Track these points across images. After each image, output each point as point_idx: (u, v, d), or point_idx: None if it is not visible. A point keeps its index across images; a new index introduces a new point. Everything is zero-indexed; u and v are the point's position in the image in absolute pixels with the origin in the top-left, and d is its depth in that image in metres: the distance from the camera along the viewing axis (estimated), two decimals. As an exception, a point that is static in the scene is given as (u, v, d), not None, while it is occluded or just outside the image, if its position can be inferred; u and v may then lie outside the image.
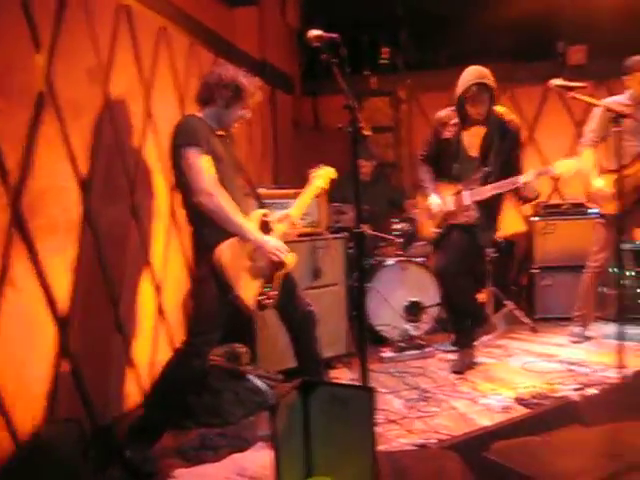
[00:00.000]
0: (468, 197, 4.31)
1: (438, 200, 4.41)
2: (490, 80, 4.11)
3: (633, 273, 5.52)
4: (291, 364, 4.19)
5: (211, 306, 3.14)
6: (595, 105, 3.72)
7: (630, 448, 1.89)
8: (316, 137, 6.50)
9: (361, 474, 1.63)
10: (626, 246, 5.54)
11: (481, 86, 4.08)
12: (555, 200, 6.35)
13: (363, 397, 1.62)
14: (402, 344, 4.79)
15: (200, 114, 3.20)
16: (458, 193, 4.35)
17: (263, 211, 3.36)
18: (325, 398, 1.66)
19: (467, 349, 4.52)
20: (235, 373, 3.88)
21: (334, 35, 2.64)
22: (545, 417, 2.39)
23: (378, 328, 5.07)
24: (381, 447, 3.19)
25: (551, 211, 5.86)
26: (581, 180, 4.87)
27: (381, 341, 5.06)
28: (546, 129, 6.51)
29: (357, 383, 4.07)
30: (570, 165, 4.10)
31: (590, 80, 6.16)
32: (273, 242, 3.19)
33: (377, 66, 6.79)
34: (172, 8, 3.97)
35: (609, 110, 3.50)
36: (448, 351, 4.89)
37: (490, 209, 4.32)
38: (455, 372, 4.35)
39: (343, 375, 4.43)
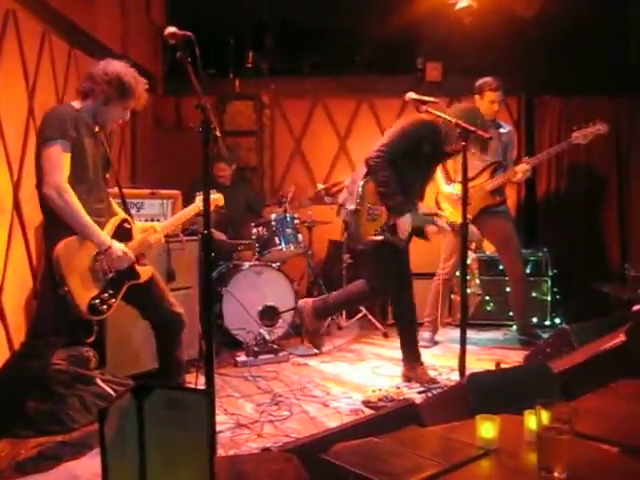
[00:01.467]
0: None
1: None
2: None
3: (478, 281, 5.83)
4: (142, 368, 4.11)
5: (52, 307, 3.02)
6: (445, 120, 3.88)
7: (459, 446, 1.98)
8: (178, 137, 6.37)
9: (197, 479, 1.60)
10: (472, 255, 5.86)
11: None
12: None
13: (200, 401, 1.59)
14: (256, 348, 4.79)
15: (79, 105, 3.09)
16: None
17: (123, 217, 3.27)
18: (161, 402, 1.61)
19: None
20: (81, 378, 3.72)
21: (188, 33, 2.61)
22: (386, 419, 2.46)
23: (233, 332, 5.05)
24: (230, 451, 3.22)
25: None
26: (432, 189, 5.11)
27: (236, 345, 5.03)
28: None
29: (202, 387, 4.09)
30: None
31: (445, 95, 6.54)
32: (116, 249, 3.08)
33: (242, 70, 6.78)
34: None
35: (457, 126, 3.66)
36: (302, 355, 4.95)
37: None
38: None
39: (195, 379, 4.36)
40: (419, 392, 3.96)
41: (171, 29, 2.64)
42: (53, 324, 3.06)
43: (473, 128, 3.59)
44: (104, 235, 3.04)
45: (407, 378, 4.32)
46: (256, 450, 3.16)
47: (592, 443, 2.02)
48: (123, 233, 3.23)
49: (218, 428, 3.51)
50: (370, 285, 4.24)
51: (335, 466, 1.85)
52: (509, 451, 1.99)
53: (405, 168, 4.06)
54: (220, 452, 3.20)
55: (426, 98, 3.82)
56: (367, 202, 4.10)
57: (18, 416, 3.22)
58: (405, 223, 4.07)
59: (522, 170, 4.95)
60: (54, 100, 4.18)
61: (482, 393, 2.54)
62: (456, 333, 5.30)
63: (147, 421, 1.62)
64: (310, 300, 4.50)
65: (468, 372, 3.55)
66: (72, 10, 4.42)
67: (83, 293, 3.01)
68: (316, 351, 4.94)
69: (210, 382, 2.48)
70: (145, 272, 3.30)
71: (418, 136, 4.05)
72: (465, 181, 3.57)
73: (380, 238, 4.10)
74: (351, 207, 4.08)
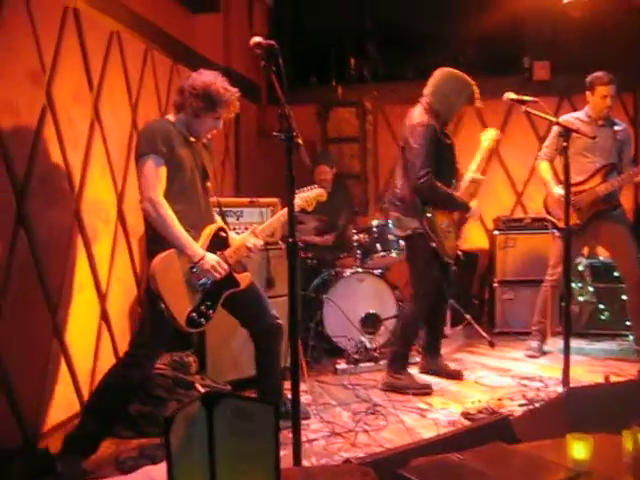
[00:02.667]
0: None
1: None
2: None
3: (591, 288, 5.53)
4: (241, 375, 4.17)
5: (152, 320, 3.10)
6: (547, 120, 3.71)
7: (547, 467, 1.86)
8: (280, 146, 6.43)
9: (264, 490, 1.58)
10: (584, 261, 5.57)
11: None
12: (517, 214, 6.37)
13: (267, 412, 1.57)
14: (357, 356, 4.75)
15: (173, 118, 3.17)
16: None
17: (219, 225, 3.29)
18: (229, 411, 1.61)
19: None
20: (182, 382, 3.82)
21: (272, 42, 2.60)
22: (476, 433, 2.35)
23: (334, 339, 5.03)
24: (322, 460, 3.20)
25: (512, 225, 5.87)
26: (541, 193, 4.91)
27: (337, 353, 5.02)
28: (510, 142, 6.52)
29: (306, 395, 4.10)
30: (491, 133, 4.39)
31: (554, 95, 6.27)
32: (209, 259, 3.07)
33: (344, 77, 6.79)
34: (126, 12, 3.93)
35: (558, 125, 3.49)
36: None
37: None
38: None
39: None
40: (520, 405, 3.78)
41: (256, 39, 2.64)
42: (154, 336, 3.12)
43: (575, 127, 3.40)
44: (197, 246, 3.05)
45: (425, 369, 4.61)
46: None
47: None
48: (219, 242, 3.24)
49: (312, 436, 3.51)
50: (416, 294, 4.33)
51: (411, 482, 1.79)
52: (604, 474, 1.85)
53: (441, 167, 4.14)
54: (312, 460, 3.19)
55: (525, 98, 3.66)
56: (439, 227, 4.19)
57: (121, 419, 3.34)
58: (475, 209, 4.31)
59: None
60: (157, 114, 4.34)
61: (581, 409, 2.39)
62: (567, 343, 5.12)
63: (216, 430, 1.62)
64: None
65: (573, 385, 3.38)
66: (173, 26, 4.58)
67: (181, 307, 3.02)
68: (418, 360, 4.89)
69: (295, 392, 2.46)
70: (243, 279, 3.29)
71: (432, 135, 4.07)
72: (568, 183, 3.38)
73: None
74: (432, 245, 4.15)
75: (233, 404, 1.63)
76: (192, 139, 3.19)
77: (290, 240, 2.45)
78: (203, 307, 3.11)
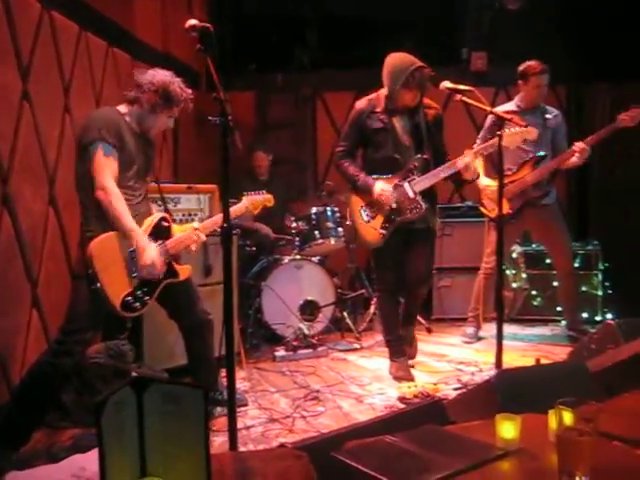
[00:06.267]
0: (410, 188, 3.98)
1: (389, 187, 4.01)
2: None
3: (524, 275, 5.67)
4: (179, 362, 4.12)
5: (85, 304, 3.06)
6: (482, 109, 3.77)
7: (477, 446, 1.90)
8: (220, 132, 6.37)
9: (194, 474, 1.57)
10: (518, 249, 5.70)
11: (422, 70, 3.93)
12: (455, 203, 6.46)
13: (196, 395, 1.56)
14: (296, 343, 4.76)
15: (125, 109, 3.20)
16: (397, 186, 4.02)
17: (161, 215, 3.32)
18: (158, 395, 1.59)
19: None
20: (118, 372, 3.76)
21: (207, 25, 2.58)
22: (410, 416, 2.38)
23: (273, 327, 5.03)
24: (259, 446, 3.20)
25: (450, 213, 5.95)
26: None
27: (276, 340, 5.02)
28: (448, 131, 6.56)
29: (244, 382, 4.09)
30: (515, 134, 3.75)
31: (491, 86, 6.38)
32: (150, 252, 3.10)
33: (284, 64, 6.76)
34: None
35: (492, 114, 3.55)
36: (341, 350, 4.91)
37: (431, 197, 4.12)
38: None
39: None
40: (455, 389, 3.86)
41: (191, 22, 2.62)
42: (87, 320, 3.11)
43: (509, 117, 3.47)
44: (143, 236, 3.09)
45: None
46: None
47: (618, 444, 1.90)
48: (161, 231, 3.27)
49: (250, 422, 3.52)
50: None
51: (345, 464, 1.80)
52: (531, 453, 1.89)
53: (370, 152, 4.12)
54: (249, 447, 3.19)
55: (461, 87, 3.70)
56: (358, 207, 4.11)
57: (51, 409, 3.27)
58: (383, 191, 3.97)
59: (579, 149, 4.57)
60: (91, 97, 4.23)
61: (511, 391, 2.44)
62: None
63: (146, 414, 1.61)
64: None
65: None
66: (110, 8, 4.45)
67: (116, 289, 3.05)
68: (356, 346, 4.95)
69: (231, 379, 2.45)
70: (183, 271, 3.35)
71: (354, 117, 4.10)
72: (501, 173, 3.43)
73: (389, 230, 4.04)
74: (347, 223, 4.17)
75: (162, 388, 1.61)
76: (140, 133, 3.23)
77: (225, 226, 2.43)
78: (140, 292, 3.13)
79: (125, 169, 3.11)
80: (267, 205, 3.72)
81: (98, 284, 2.97)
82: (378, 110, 4.06)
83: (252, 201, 3.62)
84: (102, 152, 2.99)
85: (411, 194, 3.99)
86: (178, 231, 3.34)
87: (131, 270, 3.09)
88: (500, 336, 3.38)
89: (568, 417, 1.78)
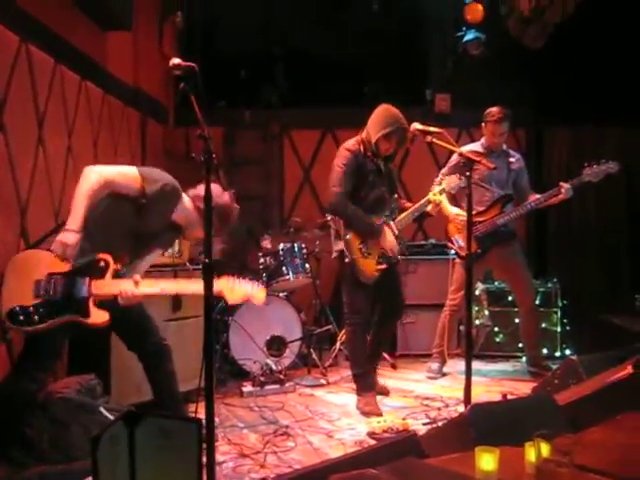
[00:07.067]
0: (394, 227, 4.33)
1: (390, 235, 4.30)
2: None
3: (487, 312, 5.79)
4: (147, 397, 4.07)
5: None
6: (451, 150, 3.91)
7: (457, 479, 1.95)
8: (187, 168, 6.40)
9: (186, 508, 1.58)
10: (481, 286, 5.83)
11: (405, 133, 4.20)
12: (419, 241, 6.58)
13: (190, 429, 1.58)
14: (263, 378, 4.76)
15: None
16: (384, 224, 4.31)
17: (105, 256, 3.19)
18: (152, 430, 1.60)
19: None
20: (85, 406, 3.71)
21: (192, 64, 2.63)
22: (386, 450, 2.42)
23: (240, 362, 5.03)
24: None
25: (414, 250, 6.04)
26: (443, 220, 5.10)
27: (243, 375, 5.01)
28: (411, 170, 6.75)
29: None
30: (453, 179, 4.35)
31: (454, 127, 6.56)
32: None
33: (252, 101, 6.86)
34: (34, 25, 3.83)
35: (462, 156, 3.68)
36: (309, 386, 4.93)
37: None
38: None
39: (202, 409, 4.34)
40: (424, 424, 3.91)
41: (175, 60, 2.66)
42: (45, 347, 3.10)
43: (478, 158, 3.60)
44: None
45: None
46: (257, 481, 3.14)
47: (593, 476, 1.98)
48: (95, 269, 3.15)
49: (221, 458, 3.48)
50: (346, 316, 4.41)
51: (330, 497, 1.83)
52: (509, 484, 1.96)
53: (363, 194, 4.28)
54: (221, 483, 3.17)
55: (431, 129, 3.83)
56: (357, 244, 4.24)
57: (16, 440, 3.20)
58: (386, 240, 4.26)
59: (565, 189, 4.78)
60: (64, 130, 4.24)
61: (485, 425, 2.51)
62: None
63: (138, 448, 1.62)
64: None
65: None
66: (83, 42, 4.49)
67: (11, 298, 2.97)
68: (323, 382, 4.96)
69: (210, 411, 2.45)
70: (98, 315, 3.13)
71: (353, 162, 4.24)
72: (470, 212, 3.53)
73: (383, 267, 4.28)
74: (347, 260, 4.23)
75: (155, 422, 1.63)
76: None
77: (206, 261, 2.46)
78: (32, 309, 2.99)
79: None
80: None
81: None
82: (369, 154, 4.29)
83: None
84: None
85: (396, 232, 4.33)
86: (113, 281, 3.18)
87: (39, 288, 3.00)
88: (469, 371, 3.44)
89: (546, 449, 1.85)
